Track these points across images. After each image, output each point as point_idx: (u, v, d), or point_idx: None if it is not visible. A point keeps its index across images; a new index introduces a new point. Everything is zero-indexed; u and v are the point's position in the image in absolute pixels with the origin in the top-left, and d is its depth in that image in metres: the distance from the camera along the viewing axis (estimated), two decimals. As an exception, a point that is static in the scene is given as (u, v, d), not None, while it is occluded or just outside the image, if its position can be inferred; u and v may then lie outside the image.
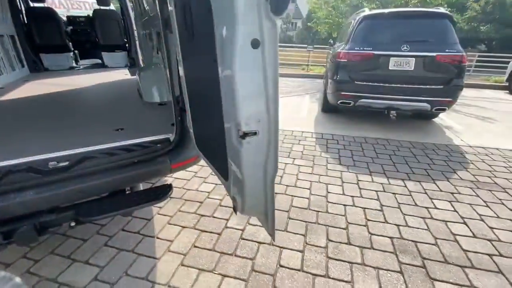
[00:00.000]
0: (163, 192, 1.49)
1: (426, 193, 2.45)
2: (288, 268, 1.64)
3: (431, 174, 2.79)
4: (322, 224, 2.02)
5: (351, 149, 3.40)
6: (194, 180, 2.63)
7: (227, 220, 2.06)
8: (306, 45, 9.69)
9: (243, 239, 1.87)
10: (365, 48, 3.68)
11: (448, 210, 2.21)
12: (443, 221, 2.07)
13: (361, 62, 3.77)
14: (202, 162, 3.03)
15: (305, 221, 2.05)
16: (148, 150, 1.47)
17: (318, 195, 2.39)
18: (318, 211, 2.17)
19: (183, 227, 1.99)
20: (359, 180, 2.65)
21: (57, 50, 4.25)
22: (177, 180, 2.62)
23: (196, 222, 2.04)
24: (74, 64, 4.62)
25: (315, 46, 9.84)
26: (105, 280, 1.56)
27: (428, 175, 2.77)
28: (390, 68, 3.64)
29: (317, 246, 1.81)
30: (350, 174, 2.77)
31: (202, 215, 2.12)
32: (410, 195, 2.42)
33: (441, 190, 2.49)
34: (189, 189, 2.47)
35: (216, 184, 2.55)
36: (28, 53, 3.92)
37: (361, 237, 1.90)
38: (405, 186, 2.55)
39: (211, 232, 1.93)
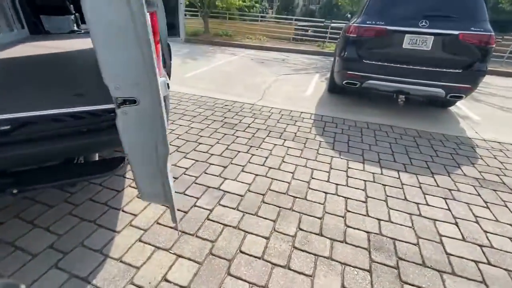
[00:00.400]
0: (114, 165, 1.39)
1: (420, 187, 2.24)
2: (248, 254, 1.54)
3: (431, 167, 2.55)
4: (296, 211, 1.88)
5: (349, 134, 3.16)
6: (174, 155, 2.53)
7: (198, 198, 1.96)
8: (323, 20, 9.00)
9: (209, 219, 1.78)
10: (378, 23, 3.28)
11: (441, 208, 2.00)
12: (431, 219, 1.88)
13: (372, 39, 3.39)
14: (187, 136, 2.92)
15: (279, 207, 1.92)
16: (98, 119, 1.35)
17: (300, 180, 2.23)
18: (296, 197, 2.02)
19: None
20: (349, 168, 2.46)
21: (57, 12, 4.10)
22: (158, 153, 2.53)
23: (165, 198, 1.96)
24: (75, 28, 4.48)
25: (333, 21, 9.12)
26: (59, 249, 1.52)
27: (428, 168, 2.53)
28: (404, 46, 3.25)
29: (285, 234, 1.69)
30: (340, 161, 2.57)
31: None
32: (402, 188, 2.21)
33: (438, 186, 2.27)
34: (167, 163, 2.38)
35: (196, 161, 2.44)
36: (27, 14, 3.80)
37: (336, 228, 1.75)
38: (399, 178, 2.34)
39: (178, 210, 1.85)
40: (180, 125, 3.15)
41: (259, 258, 1.52)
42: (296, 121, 3.47)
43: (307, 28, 11.20)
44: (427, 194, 2.15)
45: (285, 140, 2.93)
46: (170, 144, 2.70)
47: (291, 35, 11.24)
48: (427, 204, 2.03)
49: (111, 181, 2.12)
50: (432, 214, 1.94)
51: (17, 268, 1.40)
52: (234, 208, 1.89)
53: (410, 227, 1.80)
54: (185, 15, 15.96)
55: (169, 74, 3.21)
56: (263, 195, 2.04)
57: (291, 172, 2.34)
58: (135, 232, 1.67)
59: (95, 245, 1.56)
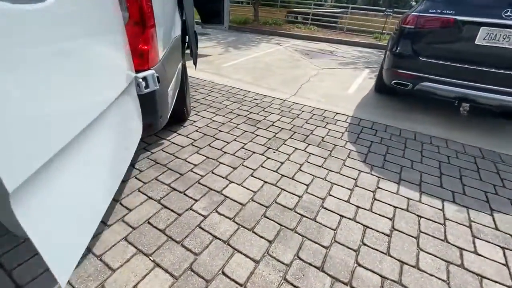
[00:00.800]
0: None
1: (470, 226, 1.75)
2: (230, 278, 1.35)
3: (492, 202, 1.99)
4: (299, 234, 1.62)
5: (388, 145, 2.68)
6: (188, 148, 2.44)
7: (196, 201, 1.83)
8: (384, 9, 7.97)
9: (200, 227, 1.63)
10: (445, 11, 2.65)
11: (495, 261, 1.52)
12: (478, 275, 1.43)
13: (434, 31, 2.77)
14: (206, 129, 2.80)
15: (281, 225, 1.67)
16: None
17: (314, 196, 1.93)
18: (304, 216, 1.75)
19: (149, 197, 1.85)
20: (378, 187, 2.06)
21: None
22: (172, 146, 2.47)
23: (164, 195, 1.87)
24: None
25: (395, 10, 7.99)
26: (52, 235, 1.54)
27: (487, 202, 1.98)
28: (476, 42, 2.57)
29: (278, 261, 1.45)
30: (369, 177, 2.17)
31: (174, 189, 1.93)
32: (444, 224, 1.75)
33: (496, 228, 1.74)
34: (177, 157, 2.30)
35: (207, 158, 2.31)
36: None
37: (342, 265, 1.44)
38: (442, 210, 1.87)
39: (172, 210, 1.74)
40: (203, 117, 3.06)
41: (240, 285, 1.32)
42: (327, 123, 3.09)
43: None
44: (478, 238, 1.66)
45: (308, 144, 2.61)
46: (187, 137, 2.62)
47: (345, 25, 10.33)
48: (475, 252, 1.56)
49: (120, 169, 2.12)
50: (480, 267, 1.48)
51: (10, 248, 1.45)
52: (230, 218, 1.70)
53: (444, 280, 1.39)
54: (242, 3, 15.95)
55: (195, 63, 3.12)
56: (267, 207, 1.81)
57: (306, 184, 2.04)
58: (124, 228, 1.61)
59: (84, 236, 1.55)
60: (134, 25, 1.16)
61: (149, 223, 1.65)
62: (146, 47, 1.26)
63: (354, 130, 2.95)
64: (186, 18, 2.59)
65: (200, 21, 5.91)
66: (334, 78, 4.89)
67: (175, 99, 2.21)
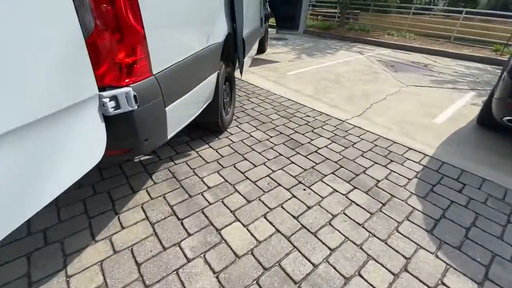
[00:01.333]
0: None
1: None
2: None
3: None
4: (294, 327, 1.15)
5: (479, 212, 1.83)
6: (211, 165, 2.22)
7: (189, 235, 1.57)
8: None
9: (177, 274, 1.36)
10: None
11: None
12: None
13: None
14: (239, 146, 2.52)
15: (274, 303, 1.24)
16: None
17: (336, 271, 1.40)
18: (310, 299, 1.26)
19: (147, 217, 1.69)
20: (442, 283, 1.35)
21: None
22: (197, 159, 2.30)
23: (161, 219, 1.68)
24: None
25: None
26: (48, 236, 1.54)
27: None
28: None
29: None
30: (433, 261, 1.47)
31: (174, 214, 1.72)
32: None
33: None
34: (196, 174, 2.10)
35: (225, 181, 2.03)
36: None
37: None
38: None
39: (159, 242, 1.53)
40: (242, 131, 2.80)
41: None
42: (391, 161, 2.37)
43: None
44: None
45: (354, 188, 2.01)
46: (216, 151, 2.41)
47: (453, 32, 8.42)
48: None
49: (138, 177, 2.06)
50: None
51: (4, 244, 1.49)
52: (214, 272, 1.37)
53: None
54: (336, 7, 15.14)
55: (241, 72, 2.88)
56: (266, 270, 1.39)
57: (330, 249, 1.52)
58: (106, 250, 1.48)
59: (69, 248, 1.48)
60: (106, 31, 0.95)
61: (131, 250, 1.48)
62: (128, 60, 1.05)
63: (429, 179, 2.16)
64: (236, 25, 2.37)
65: (275, 25, 5.72)
66: (419, 100, 3.90)
67: (198, 112, 2.01)
